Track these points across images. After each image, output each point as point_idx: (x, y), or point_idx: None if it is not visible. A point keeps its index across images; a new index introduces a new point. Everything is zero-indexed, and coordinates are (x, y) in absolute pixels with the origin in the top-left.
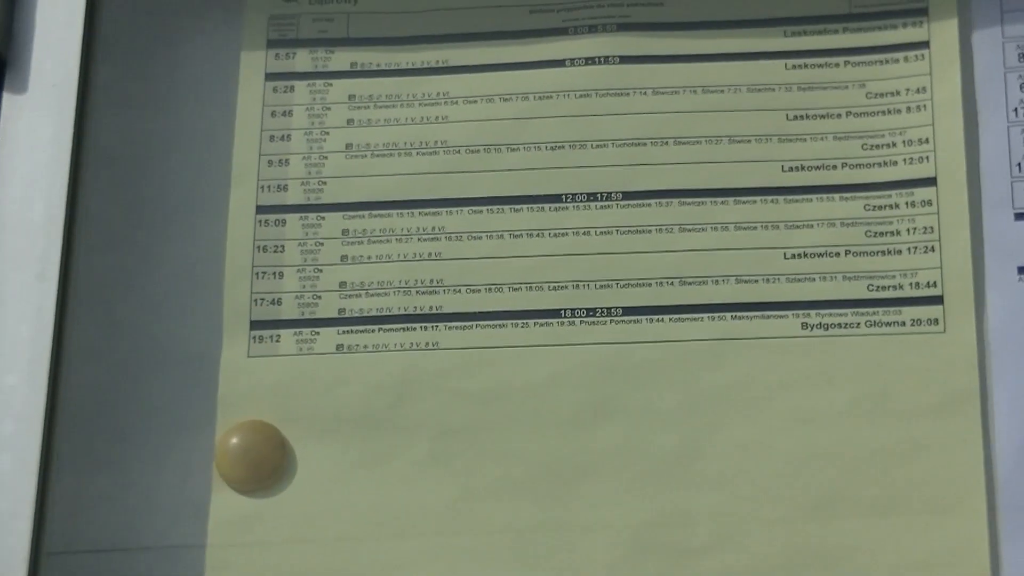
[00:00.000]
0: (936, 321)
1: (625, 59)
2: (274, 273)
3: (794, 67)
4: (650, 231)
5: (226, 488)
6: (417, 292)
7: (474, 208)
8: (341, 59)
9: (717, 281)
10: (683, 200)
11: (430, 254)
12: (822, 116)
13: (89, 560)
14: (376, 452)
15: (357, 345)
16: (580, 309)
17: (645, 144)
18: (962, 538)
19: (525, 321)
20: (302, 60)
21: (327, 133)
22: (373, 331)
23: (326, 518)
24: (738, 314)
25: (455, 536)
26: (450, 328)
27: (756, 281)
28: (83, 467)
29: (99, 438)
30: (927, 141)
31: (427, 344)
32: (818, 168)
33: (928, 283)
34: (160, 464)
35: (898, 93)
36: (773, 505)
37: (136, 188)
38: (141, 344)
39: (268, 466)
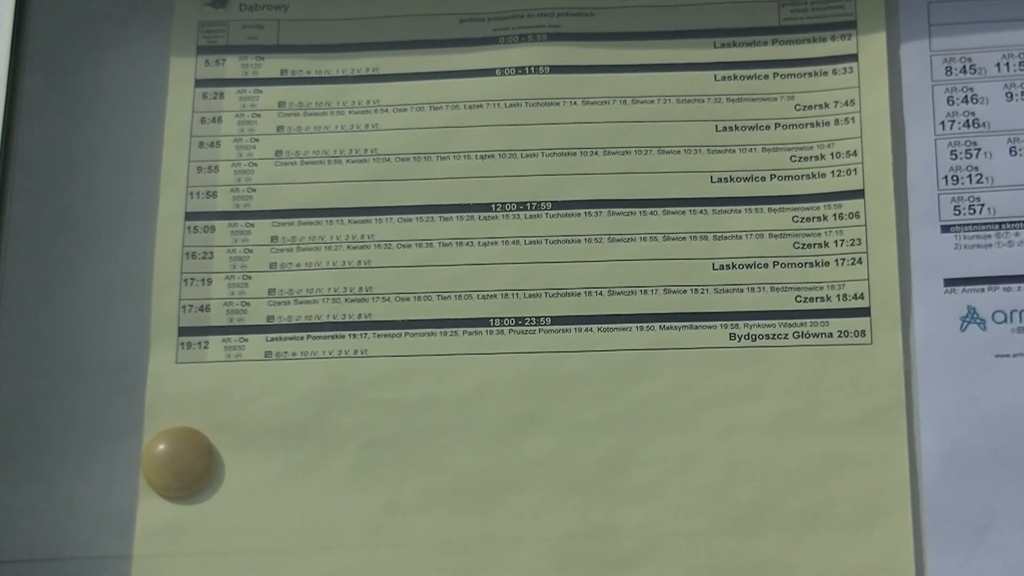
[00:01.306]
0: (863, 333)
1: (555, 69)
2: (203, 280)
3: (723, 78)
4: (579, 241)
5: (153, 495)
6: (346, 300)
7: (404, 216)
8: (271, 66)
9: (646, 291)
10: (612, 210)
11: (359, 262)
12: (751, 128)
13: (13, 571)
14: (302, 461)
15: (285, 352)
16: (509, 318)
17: (575, 154)
18: (888, 551)
19: (454, 330)
20: (232, 67)
21: (257, 140)
22: (302, 338)
23: (252, 528)
24: (666, 324)
25: (381, 548)
26: (379, 336)
27: (684, 291)
28: (7, 477)
29: (24, 447)
30: (855, 153)
31: (356, 352)
32: (747, 179)
33: (855, 295)
34: (86, 473)
35: (826, 105)
36: (699, 517)
37: (63, 195)
38: (67, 351)
39: (195, 473)
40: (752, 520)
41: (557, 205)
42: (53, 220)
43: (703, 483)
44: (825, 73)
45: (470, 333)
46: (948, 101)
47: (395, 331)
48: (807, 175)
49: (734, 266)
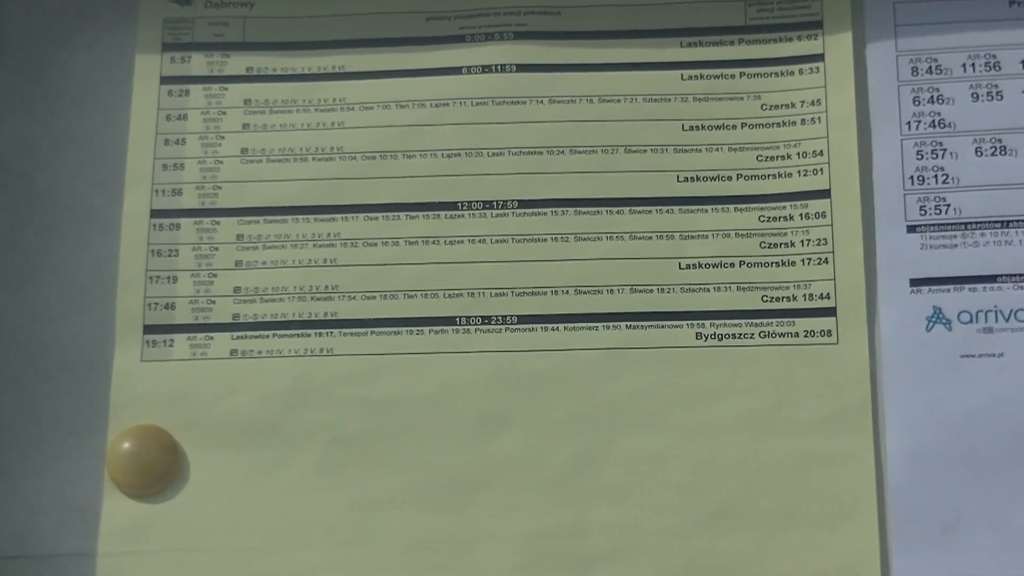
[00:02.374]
0: (829, 332)
1: (522, 67)
2: (168, 277)
3: (690, 78)
4: (546, 240)
5: (117, 493)
6: (312, 298)
7: (370, 215)
8: (237, 63)
9: (612, 290)
10: (579, 209)
11: (325, 260)
12: (717, 127)
13: None
14: (268, 459)
15: (251, 351)
16: (475, 317)
17: (541, 153)
18: (855, 549)
19: (420, 328)
20: (197, 64)
21: (222, 137)
22: (267, 337)
23: (218, 526)
24: (633, 323)
25: (347, 546)
26: (345, 335)
27: (651, 291)
28: None
29: None
30: (821, 153)
31: (321, 350)
32: (713, 179)
33: (821, 294)
34: (50, 470)
35: (793, 105)
36: (668, 516)
37: (28, 192)
38: (31, 349)
39: (160, 470)
40: (721, 519)
41: (523, 204)
42: (18, 217)
43: (672, 482)
44: (791, 73)
45: (436, 332)
46: (914, 101)
47: (361, 330)
48: (773, 175)
49: (700, 265)
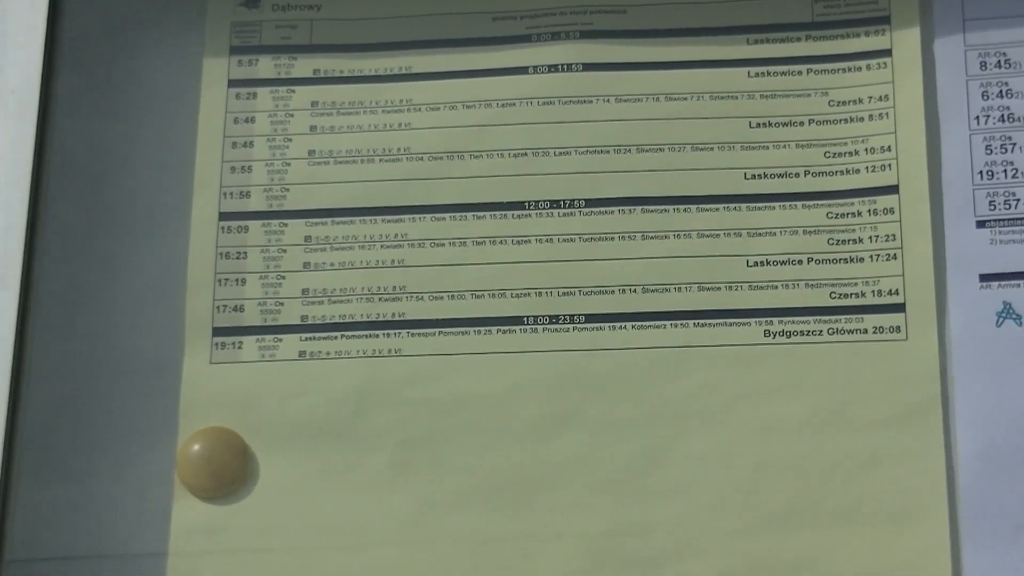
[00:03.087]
0: (898, 329)
1: (588, 67)
2: (237, 280)
3: (757, 75)
4: (613, 238)
5: (188, 495)
6: (380, 299)
7: (437, 215)
8: (304, 66)
9: (680, 288)
10: (646, 207)
11: (393, 261)
12: (785, 124)
13: (50, 568)
14: (337, 461)
15: (319, 352)
16: (543, 316)
17: (608, 152)
18: (924, 547)
19: (488, 328)
20: (265, 67)
21: (290, 140)
22: (336, 338)
23: (287, 527)
24: (701, 321)
25: (415, 547)
26: (412, 335)
27: (719, 288)
28: (45, 475)
29: (61, 446)
30: (889, 149)
31: (389, 351)
32: (781, 176)
33: (890, 291)
34: (122, 472)
35: (860, 101)
36: (733, 515)
37: (98, 195)
38: (103, 352)
39: (230, 473)
40: (786, 518)
41: (590, 203)
42: (88, 221)
43: (738, 481)
44: (859, 68)
45: (504, 332)
46: (983, 96)
47: (429, 330)
48: (841, 171)
49: (768, 263)
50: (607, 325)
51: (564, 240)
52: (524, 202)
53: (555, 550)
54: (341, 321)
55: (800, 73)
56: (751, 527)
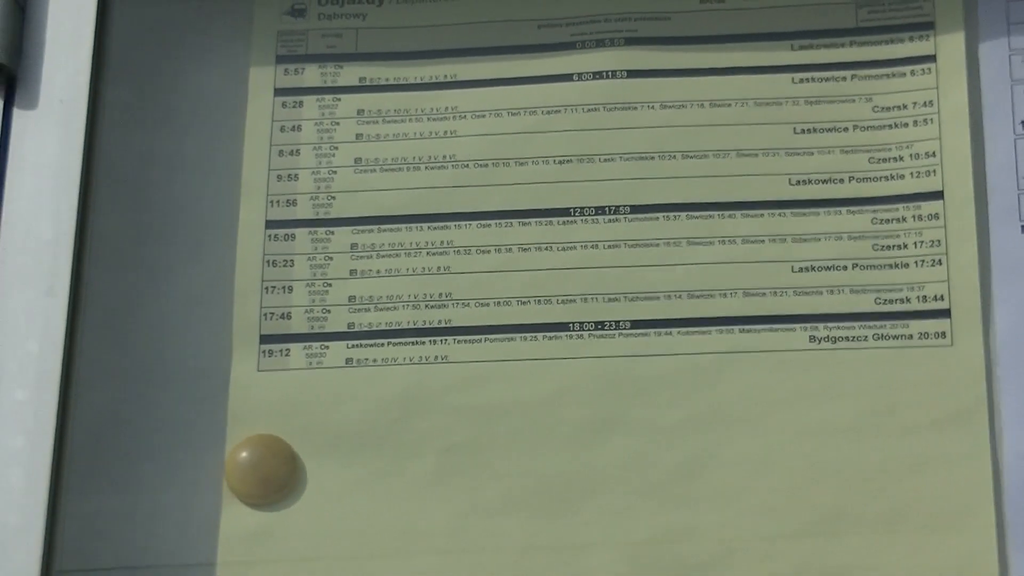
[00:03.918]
0: (943, 334)
1: (632, 73)
2: (284, 287)
3: (801, 81)
4: (658, 244)
5: (236, 502)
6: (426, 306)
7: (483, 222)
8: (350, 74)
9: (725, 294)
10: (691, 214)
11: (439, 268)
12: (829, 130)
13: None
14: (383, 467)
15: (366, 359)
16: (589, 322)
17: (653, 158)
18: (971, 553)
19: (534, 335)
20: (311, 75)
21: (336, 148)
22: (382, 345)
23: (336, 534)
24: (746, 327)
25: (461, 553)
26: (459, 342)
27: (764, 294)
28: (94, 484)
29: (109, 454)
30: (934, 154)
31: (436, 358)
32: (825, 182)
33: (935, 296)
34: (170, 481)
35: (905, 107)
36: (778, 520)
37: (146, 204)
38: (151, 359)
39: (278, 480)
40: (832, 523)
41: (635, 209)
42: (136, 230)
43: (783, 486)
44: (903, 74)
45: (550, 338)
46: None
47: (475, 336)
48: (886, 177)
49: (813, 268)
50: (652, 331)
51: (609, 246)
52: (569, 209)
53: (600, 556)
54: (387, 328)
55: (844, 79)
56: (796, 532)
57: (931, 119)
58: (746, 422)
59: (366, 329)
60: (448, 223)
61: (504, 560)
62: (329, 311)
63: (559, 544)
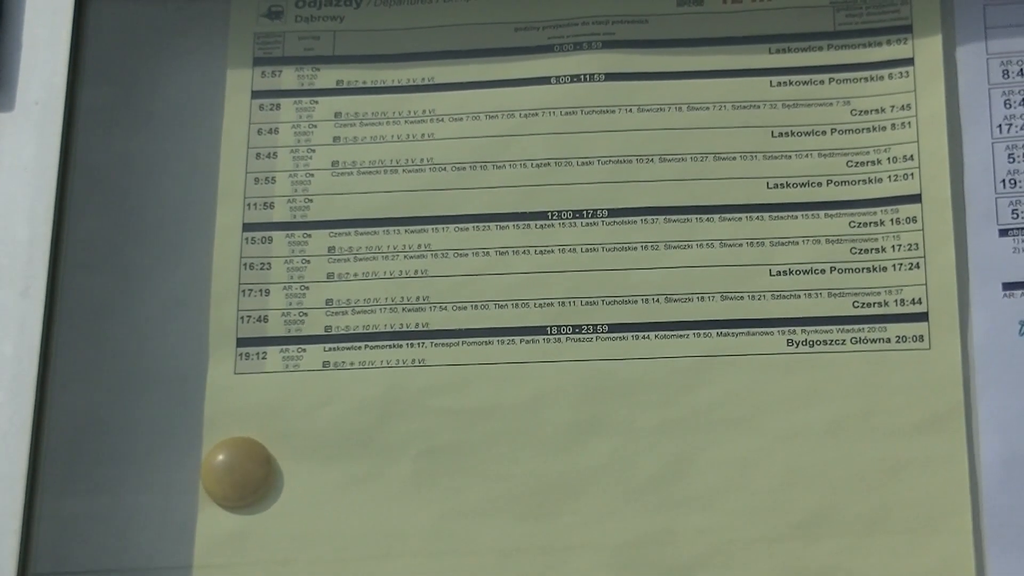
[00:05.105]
0: (921, 338)
1: (610, 76)
2: (260, 290)
3: (779, 84)
4: (636, 248)
5: (212, 505)
6: (403, 309)
7: (460, 225)
8: (327, 77)
9: (703, 298)
10: (669, 217)
11: (416, 271)
12: (807, 133)
13: None
14: (362, 471)
15: (343, 362)
16: (566, 326)
17: (631, 161)
18: (948, 556)
19: (511, 338)
20: (288, 78)
21: (313, 151)
22: (359, 348)
23: (313, 537)
24: (724, 331)
25: (440, 557)
26: (436, 345)
27: (742, 298)
28: (69, 486)
29: (85, 456)
30: (912, 158)
31: (413, 361)
32: (803, 185)
33: (913, 300)
34: (147, 483)
35: (883, 110)
36: (759, 524)
37: (122, 206)
38: (127, 361)
39: (254, 483)
40: (812, 526)
41: (613, 213)
42: (113, 232)
43: (763, 489)
44: (881, 78)
45: (527, 341)
46: (1005, 104)
47: (453, 340)
48: (864, 180)
49: (791, 272)
50: (630, 335)
51: (587, 250)
52: (547, 212)
53: (580, 560)
54: (364, 331)
55: (822, 82)
56: (776, 535)
57: (909, 122)
58: (725, 425)
59: (343, 332)
60: (425, 226)
61: (484, 563)
62: (306, 314)
63: (539, 547)
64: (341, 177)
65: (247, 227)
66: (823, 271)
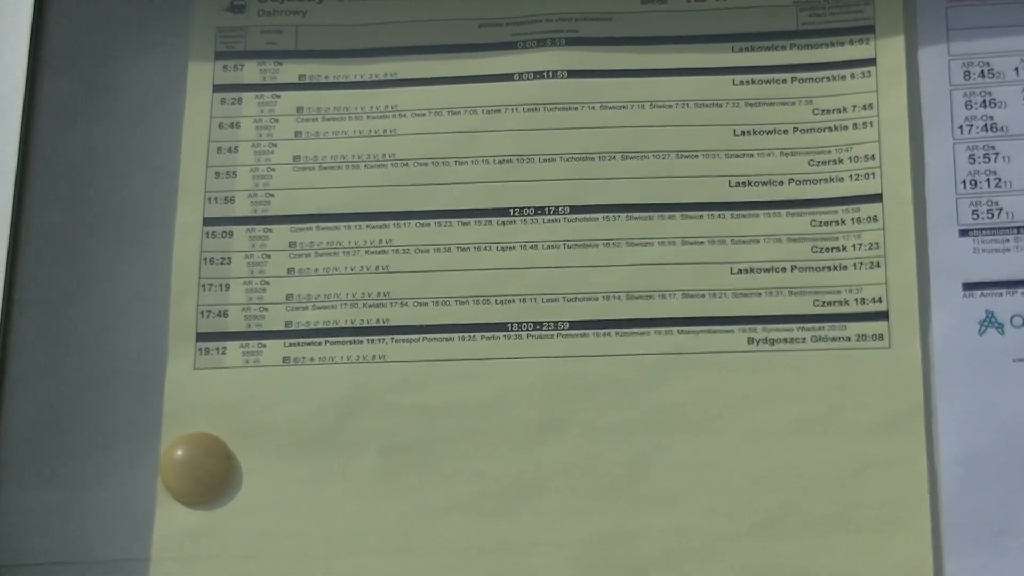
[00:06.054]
0: (881, 337)
1: (573, 73)
2: (221, 285)
3: (742, 83)
4: (597, 245)
5: (171, 500)
6: (364, 305)
7: (422, 221)
8: (289, 71)
9: (664, 296)
10: (630, 215)
11: (378, 267)
12: (769, 132)
13: (34, 574)
14: (322, 467)
15: (304, 358)
16: (527, 323)
17: (593, 158)
18: (907, 554)
19: (472, 335)
20: (250, 72)
21: (275, 145)
22: (320, 344)
23: (271, 533)
24: (685, 329)
25: (402, 554)
26: (397, 341)
27: (703, 296)
28: (28, 480)
29: (44, 450)
30: (873, 158)
31: (374, 357)
32: (765, 184)
33: (873, 299)
34: (105, 477)
35: (845, 110)
36: (720, 522)
37: (83, 200)
38: (87, 356)
39: (213, 478)
40: (774, 524)
41: (575, 210)
42: (73, 225)
43: (724, 488)
44: (843, 77)
45: (488, 338)
46: (966, 105)
47: (413, 336)
48: (825, 179)
49: (752, 270)
50: (591, 332)
51: (549, 247)
52: (509, 208)
53: (543, 557)
54: (325, 327)
55: (785, 81)
56: (738, 533)
57: (871, 122)
58: (687, 423)
59: (304, 328)
60: (387, 222)
61: (446, 561)
62: (266, 309)
63: (500, 545)
64: (303, 172)
65: (208, 221)
66: (784, 269)
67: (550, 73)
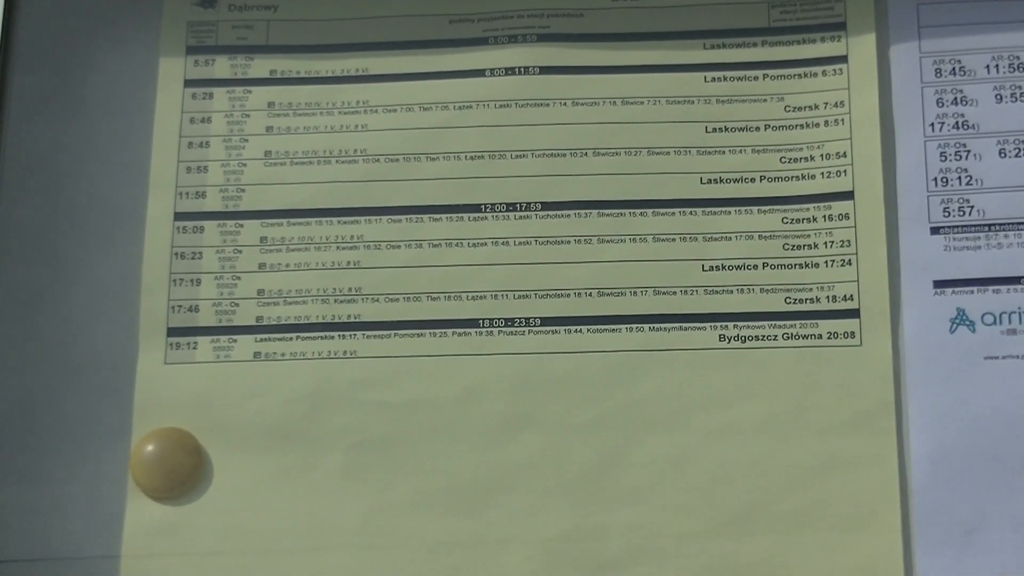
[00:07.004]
0: (852, 334)
1: (545, 70)
2: (192, 280)
3: (713, 80)
4: (569, 242)
5: (141, 496)
6: (335, 301)
7: (393, 217)
8: (260, 66)
9: (635, 292)
10: (602, 211)
11: (349, 263)
12: (741, 129)
13: (3, 570)
14: (292, 462)
15: (275, 353)
16: (498, 319)
17: (564, 155)
18: (877, 552)
19: (444, 331)
20: (221, 67)
21: (246, 140)
22: (291, 339)
23: (242, 529)
24: (656, 326)
25: (370, 550)
26: (368, 337)
27: (674, 293)
28: None
29: (13, 446)
30: (845, 155)
31: (345, 353)
32: (736, 181)
33: (845, 296)
34: (75, 473)
35: (816, 107)
36: (689, 519)
37: (53, 195)
38: (57, 350)
39: (183, 474)
40: (743, 521)
41: (547, 206)
42: (43, 220)
43: (694, 484)
44: (815, 74)
45: (459, 334)
46: (938, 103)
47: (384, 332)
48: (797, 176)
49: (724, 267)
50: (562, 328)
51: (520, 243)
52: (480, 205)
53: (510, 554)
54: (296, 322)
55: (756, 78)
56: (707, 531)
57: (842, 120)
58: (657, 420)
59: (275, 323)
60: (358, 218)
61: (414, 557)
62: (237, 304)
63: (470, 541)
64: (274, 167)
65: (179, 216)
66: (755, 267)
67: (521, 69)
